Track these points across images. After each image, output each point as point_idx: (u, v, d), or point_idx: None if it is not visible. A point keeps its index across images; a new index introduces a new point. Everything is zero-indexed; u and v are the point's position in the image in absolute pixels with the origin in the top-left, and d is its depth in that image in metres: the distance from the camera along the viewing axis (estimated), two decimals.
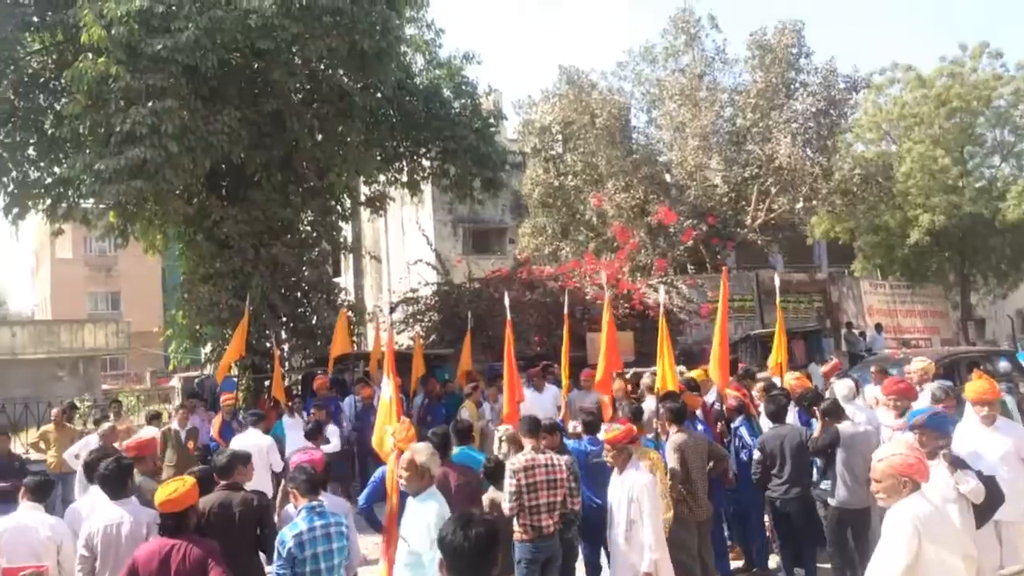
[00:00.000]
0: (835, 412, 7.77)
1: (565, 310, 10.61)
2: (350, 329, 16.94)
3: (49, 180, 15.95)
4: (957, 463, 5.77)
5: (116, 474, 5.77)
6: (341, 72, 14.98)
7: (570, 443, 7.93)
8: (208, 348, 17.45)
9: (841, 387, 8.87)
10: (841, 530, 7.48)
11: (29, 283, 63.40)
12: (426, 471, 5.33)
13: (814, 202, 23.55)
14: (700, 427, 8.43)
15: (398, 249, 27.74)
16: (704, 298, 20.68)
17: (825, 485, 7.82)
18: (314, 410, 11.46)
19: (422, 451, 5.50)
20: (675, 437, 7.38)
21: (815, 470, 7.94)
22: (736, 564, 8.54)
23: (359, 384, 13.52)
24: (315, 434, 9.21)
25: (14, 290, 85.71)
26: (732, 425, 9.00)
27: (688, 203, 22.86)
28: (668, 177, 24.05)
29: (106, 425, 10.32)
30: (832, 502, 7.56)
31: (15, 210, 15.66)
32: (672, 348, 9.38)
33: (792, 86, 23.01)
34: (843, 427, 7.61)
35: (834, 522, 7.53)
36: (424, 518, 5.04)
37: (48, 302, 51.27)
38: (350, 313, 17.92)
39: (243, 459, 6.28)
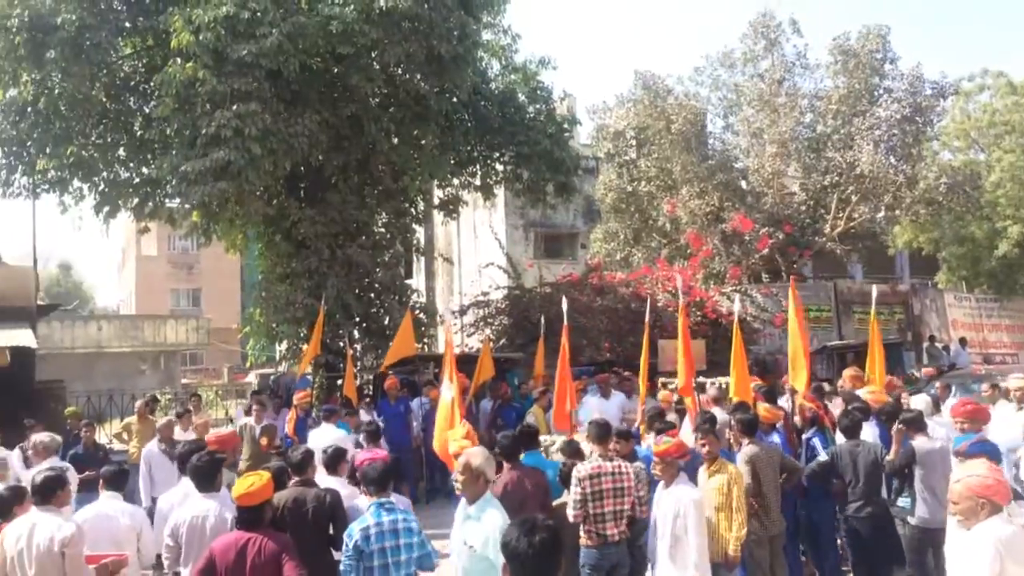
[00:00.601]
0: (916, 424, 7.50)
1: (646, 318, 10.47)
2: (420, 332, 17.10)
3: (137, 180, 16.58)
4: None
5: (207, 468, 5.93)
6: (418, 77, 15.18)
7: (641, 450, 7.86)
8: (283, 346, 17.84)
9: (919, 402, 8.58)
10: (922, 549, 7.23)
11: (115, 279, 65.81)
12: (481, 474, 5.19)
13: (897, 211, 22.92)
14: (778, 439, 8.24)
15: (470, 252, 27.93)
16: (778, 307, 20.25)
17: (903, 503, 7.57)
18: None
19: (478, 455, 5.34)
20: (747, 449, 7.24)
21: (891, 488, 7.71)
22: None
23: (427, 386, 13.61)
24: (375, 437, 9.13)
25: (101, 285, 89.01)
26: (804, 437, 8.79)
27: (764, 210, 22.48)
28: (744, 184, 23.69)
29: (163, 419, 10.65)
30: (912, 520, 7.32)
31: (106, 208, 16.30)
32: (746, 357, 9.21)
33: (876, 92, 22.44)
34: (919, 444, 7.36)
35: (915, 541, 7.28)
36: (492, 523, 4.95)
37: (133, 297, 53.15)
38: (421, 315, 18.11)
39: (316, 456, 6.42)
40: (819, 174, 22.62)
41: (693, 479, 6.70)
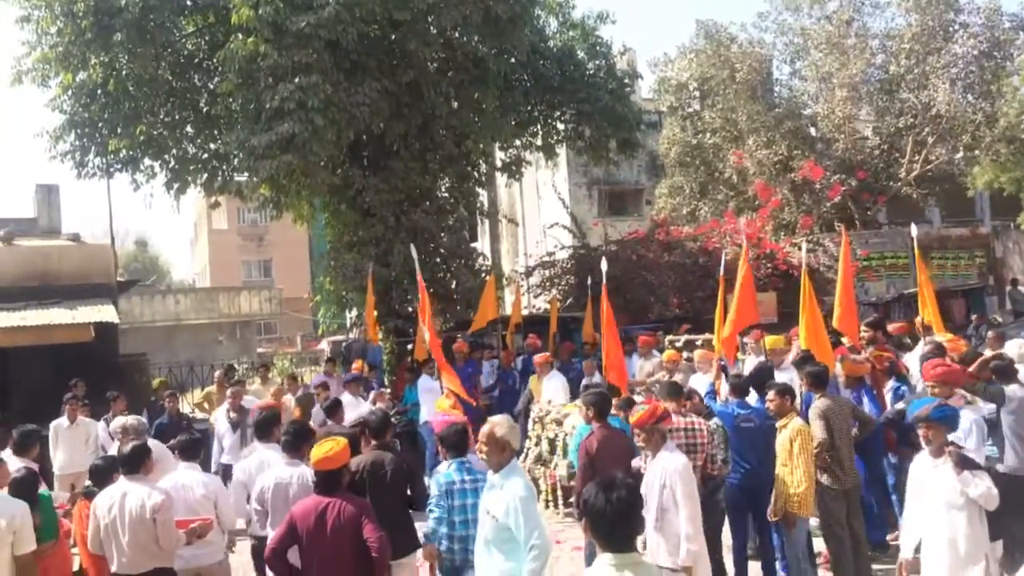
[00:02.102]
0: (1006, 373, 7.17)
1: (721, 272, 10.33)
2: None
3: (205, 156, 16.92)
4: (965, 463, 5.16)
5: (292, 436, 6.06)
6: (476, 39, 15.05)
7: (717, 407, 7.79)
8: (353, 313, 18.14)
9: (1013, 347, 8.20)
10: (1014, 500, 6.97)
11: (189, 253, 67.63)
12: (506, 444, 5.03)
13: (976, 151, 22.09)
14: (865, 396, 7.99)
15: (534, 213, 27.86)
16: (853, 256, 19.75)
17: (990, 451, 7.33)
18: None
19: (502, 424, 5.16)
20: (818, 403, 7.07)
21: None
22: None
23: (487, 350, 13.72)
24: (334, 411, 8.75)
25: (176, 260, 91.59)
26: (887, 388, 8.55)
27: (835, 157, 21.92)
28: (813, 131, 23.10)
29: (232, 388, 10.82)
30: (1001, 468, 7.06)
31: (176, 185, 16.70)
32: (819, 308, 9.00)
33: (951, 28, 21.59)
34: (1011, 390, 7.06)
35: (1003, 490, 7.02)
36: (512, 491, 4.82)
37: (207, 271, 54.55)
38: (487, 277, 18.19)
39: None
40: (892, 116, 21.96)
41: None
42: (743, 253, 10.04)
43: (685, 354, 11.67)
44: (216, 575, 6.30)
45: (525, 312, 18.43)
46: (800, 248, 19.00)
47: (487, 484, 5.04)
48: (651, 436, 5.88)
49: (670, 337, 13.29)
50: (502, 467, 4.97)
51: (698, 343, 12.14)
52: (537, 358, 11.75)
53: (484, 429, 5.13)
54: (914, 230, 10.85)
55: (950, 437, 5.53)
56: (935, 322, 10.01)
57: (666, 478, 5.71)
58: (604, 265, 9.98)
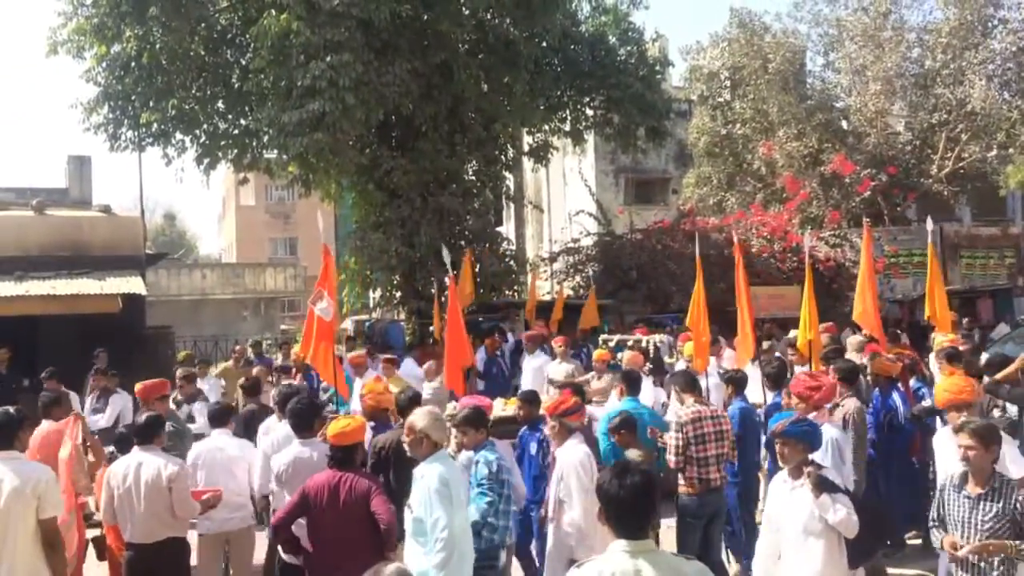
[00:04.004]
0: None
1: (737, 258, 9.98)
2: (511, 279, 17.23)
3: (236, 132, 17.03)
4: (825, 485, 4.67)
5: (305, 412, 6.03)
6: (507, 22, 15.02)
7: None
8: (377, 293, 18.22)
9: None
10: None
11: (216, 228, 68.13)
12: (424, 436, 4.90)
13: (1010, 149, 21.74)
14: (897, 396, 7.86)
15: (559, 199, 27.79)
16: (881, 252, 19.57)
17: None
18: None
19: (422, 416, 5.05)
20: (847, 403, 6.90)
21: None
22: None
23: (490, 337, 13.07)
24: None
25: (204, 235, 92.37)
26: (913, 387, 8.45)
27: (866, 151, 21.66)
28: (845, 124, 22.84)
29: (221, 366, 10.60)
30: None
31: (206, 160, 16.84)
32: (816, 304, 8.83)
33: (990, 23, 21.24)
34: None
35: None
36: (426, 482, 4.76)
37: (233, 246, 54.95)
38: (511, 262, 18.23)
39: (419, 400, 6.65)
40: (926, 112, 21.65)
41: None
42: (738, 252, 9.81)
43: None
44: (244, 540, 6.47)
45: (547, 297, 18.45)
46: (828, 243, 18.96)
47: (415, 476, 4.93)
48: (559, 429, 5.94)
49: (603, 336, 13.10)
50: (426, 459, 4.89)
51: (628, 343, 11.68)
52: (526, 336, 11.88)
53: (408, 421, 5.09)
54: (930, 224, 10.61)
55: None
56: (941, 322, 9.71)
57: (563, 471, 5.74)
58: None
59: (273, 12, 13.29)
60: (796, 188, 21.14)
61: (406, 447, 5.14)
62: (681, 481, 6.35)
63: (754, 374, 8.58)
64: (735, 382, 7.66)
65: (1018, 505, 4.39)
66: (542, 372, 10.83)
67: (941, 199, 23.10)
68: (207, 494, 5.98)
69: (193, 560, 6.05)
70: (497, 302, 16.68)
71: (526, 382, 10.80)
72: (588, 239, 19.80)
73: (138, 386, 7.35)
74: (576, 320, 14.46)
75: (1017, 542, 4.34)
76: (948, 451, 5.45)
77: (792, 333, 12.45)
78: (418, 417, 5.02)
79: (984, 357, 8.85)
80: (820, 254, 17.91)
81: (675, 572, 3.06)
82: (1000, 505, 4.43)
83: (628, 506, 3.09)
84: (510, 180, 21.57)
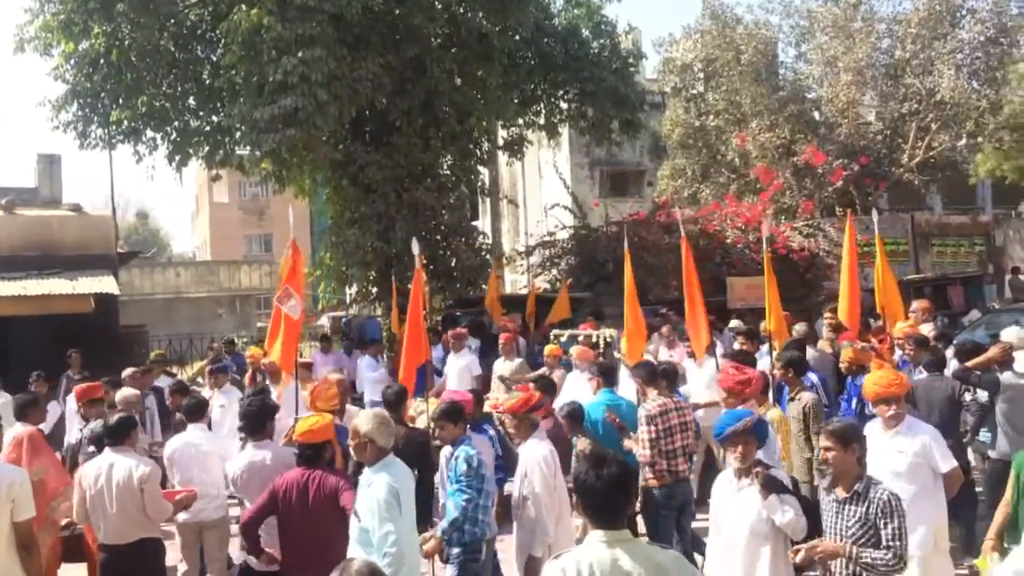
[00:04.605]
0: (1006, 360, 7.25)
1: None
2: (486, 273, 17.22)
3: (207, 128, 16.86)
4: (773, 485, 4.55)
5: (256, 413, 5.90)
6: (480, 15, 14.97)
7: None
8: (353, 289, 18.15)
9: (1010, 334, 8.24)
10: (1002, 483, 7.04)
11: (190, 226, 67.56)
12: (368, 441, 4.67)
13: (979, 139, 22.05)
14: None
15: (535, 193, 27.80)
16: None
17: (984, 437, 7.39)
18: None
19: (365, 420, 4.80)
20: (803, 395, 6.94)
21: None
22: None
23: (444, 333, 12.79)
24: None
25: (177, 233, 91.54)
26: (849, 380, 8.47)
27: (838, 142, 21.87)
28: (817, 115, 23.04)
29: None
30: (992, 454, 7.14)
31: (177, 157, 16.67)
32: (778, 293, 8.88)
33: (958, 13, 21.50)
34: (1005, 378, 7.13)
35: (994, 475, 7.08)
36: (373, 492, 4.55)
37: (207, 244, 54.54)
38: (487, 256, 18.21)
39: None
40: (897, 102, 21.88)
41: None
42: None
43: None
44: (218, 530, 6.48)
45: (524, 292, 18.46)
46: (801, 233, 19.11)
47: (361, 483, 4.74)
48: (521, 424, 5.93)
49: (555, 331, 13.09)
50: (372, 465, 4.70)
51: (579, 339, 11.43)
52: (449, 333, 11.56)
53: (351, 425, 4.91)
54: (875, 215, 10.75)
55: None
56: (892, 312, 9.49)
57: (527, 467, 5.76)
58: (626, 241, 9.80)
59: (243, 7, 13.17)
60: (769, 179, 21.30)
61: (352, 451, 4.97)
62: (650, 474, 6.39)
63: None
64: (605, 374, 7.58)
65: (877, 509, 4.26)
66: (468, 371, 10.61)
67: (912, 188, 23.41)
68: (180, 494, 5.98)
69: (171, 560, 6.03)
70: (473, 296, 16.68)
71: (451, 383, 10.38)
72: (564, 232, 19.84)
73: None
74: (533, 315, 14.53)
75: (854, 547, 4.23)
76: (876, 445, 5.55)
77: (734, 322, 12.63)
78: (362, 420, 4.77)
79: (954, 343, 8.96)
80: (794, 244, 18.06)
81: (651, 561, 3.08)
82: (863, 509, 4.31)
83: (605, 497, 3.12)
84: (485, 174, 21.55)
